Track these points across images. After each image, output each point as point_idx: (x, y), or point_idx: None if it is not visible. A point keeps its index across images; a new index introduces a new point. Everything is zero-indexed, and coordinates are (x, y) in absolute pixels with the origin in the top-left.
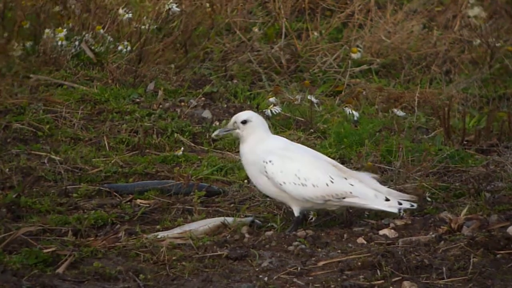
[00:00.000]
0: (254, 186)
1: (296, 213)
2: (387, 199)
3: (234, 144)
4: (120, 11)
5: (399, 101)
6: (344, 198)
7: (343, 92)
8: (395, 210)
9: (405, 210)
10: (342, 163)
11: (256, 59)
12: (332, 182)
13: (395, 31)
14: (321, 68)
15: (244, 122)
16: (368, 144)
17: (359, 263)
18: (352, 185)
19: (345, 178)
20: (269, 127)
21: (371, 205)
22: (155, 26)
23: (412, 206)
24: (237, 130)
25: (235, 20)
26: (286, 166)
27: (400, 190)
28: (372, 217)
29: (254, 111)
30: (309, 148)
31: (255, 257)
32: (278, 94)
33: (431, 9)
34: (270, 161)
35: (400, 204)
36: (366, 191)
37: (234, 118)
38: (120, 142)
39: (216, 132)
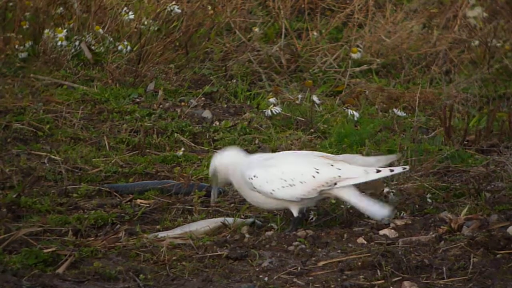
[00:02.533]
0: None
1: (295, 213)
2: (378, 171)
3: (234, 143)
4: (127, 14)
5: (399, 101)
6: (335, 184)
7: (343, 92)
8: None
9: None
10: None
11: (256, 59)
12: (318, 172)
13: (395, 31)
14: (321, 68)
15: (213, 174)
16: (368, 144)
17: (359, 263)
18: (340, 169)
19: (332, 165)
20: (269, 127)
21: (364, 180)
22: (156, 28)
23: (405, 168)
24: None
25: (235, 20)
26: (270, 174)
27: (400, 190)
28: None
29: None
30: (290, 151)
31: (255, 257)
32: (278, 94)
33: (431, 9)
34: (254, 176)
35: (392, 171)
36: (355, 170)
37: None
38: (120, 142)
39: (212, 198)
